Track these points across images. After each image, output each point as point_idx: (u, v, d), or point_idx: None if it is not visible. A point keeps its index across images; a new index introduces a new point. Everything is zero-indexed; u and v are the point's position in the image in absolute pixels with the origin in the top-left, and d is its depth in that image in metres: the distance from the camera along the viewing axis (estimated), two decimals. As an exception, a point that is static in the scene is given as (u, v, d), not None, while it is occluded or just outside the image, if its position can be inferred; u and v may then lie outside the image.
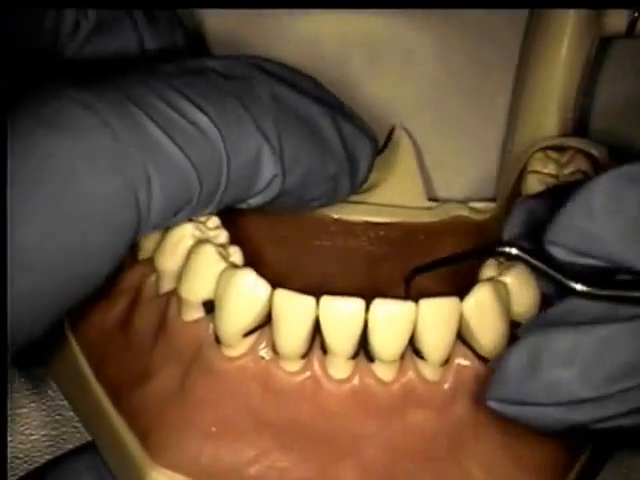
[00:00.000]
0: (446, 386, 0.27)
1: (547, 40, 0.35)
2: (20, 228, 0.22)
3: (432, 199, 0.38)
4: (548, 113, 0.35)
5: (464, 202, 0.37)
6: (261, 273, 0.26)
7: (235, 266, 0.27)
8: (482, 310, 0.26)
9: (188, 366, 0.27)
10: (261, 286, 0.26)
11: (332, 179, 0.29)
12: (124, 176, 0.23)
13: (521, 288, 0.27)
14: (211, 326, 0.27)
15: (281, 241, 0.34)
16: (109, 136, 0.23)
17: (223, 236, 0.28)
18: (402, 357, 0.27)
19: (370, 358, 0.27)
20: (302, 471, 0.27)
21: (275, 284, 0.26)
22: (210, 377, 0.27)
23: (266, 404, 0.27)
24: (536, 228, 0.26)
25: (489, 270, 0.28)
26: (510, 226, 0.28)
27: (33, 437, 0.36)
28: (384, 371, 0.27)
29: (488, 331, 0.26)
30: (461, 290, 0.27)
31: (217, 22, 0.37)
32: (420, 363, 0.27)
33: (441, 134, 0.38)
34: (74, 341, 0.30)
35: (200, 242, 0.27)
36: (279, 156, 0.27)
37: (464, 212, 0.36)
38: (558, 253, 0.24)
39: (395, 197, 0.37)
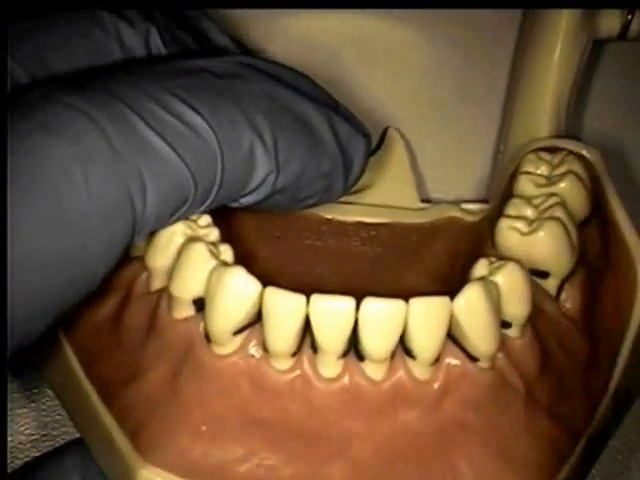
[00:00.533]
0: (436, 385, 0.27)
1: (540, 42, 0.35)
2: (15, 231, 0.22)
3: (424, 200, 0.37)
4: (541, 114, 0.35)
5: (456, 203, 0.37)
6: (252, 271, 0.26)
7: (226, 264, 0.27)
8: (472, 309, 0.26)
9: (178, 364, 0.27)
10: (251, 284, 0.26)
11: (326, 177, 0.29)
12: (118, 179, 0.23)
13: (512, 288, 0.27)
14: (202, 324, 0.27)
15: (272, 240, 0.35)
16: (102, 140, 0.23)
17: (214, 234, 0.28)
18: (392, 356, 0.27)
19: (360, 357, 0.27)
20: (291, 469, 0.27)
21: (266, 282, 0.26)
22: (200, 375, 0.27)
23: (256, 402, 0.27)
24: None
25: (480, 269, 0.28)
26: None
27: (33, 437, 0.36)
28: (374, 370, 0.27)
29: (478, 330, 0.26)
30: (452, 289, 0.27)
31: (216, 17, 0.37)
32: (410, 362, 0.27)
33: (434, 135, 0.38)
34: (64, 339, 0.30)
35: (191, 240, 0.27)
36: (273, 154, 0.27)
37: (456, 213, 0.36)
38: None
39: (387, 198, 0.37)
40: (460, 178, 0.38)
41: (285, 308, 0.26)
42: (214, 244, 0.28)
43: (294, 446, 0.27)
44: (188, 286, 0.27)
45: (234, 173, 0.26)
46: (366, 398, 0.27)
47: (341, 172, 0.29)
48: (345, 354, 0.27)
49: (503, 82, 0.38)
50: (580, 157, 0.32)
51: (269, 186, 0.27)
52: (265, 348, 0.27)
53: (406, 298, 0.26)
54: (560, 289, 0.30)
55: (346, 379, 0.27)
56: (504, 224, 0.30)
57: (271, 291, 0.26)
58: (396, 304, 0.26)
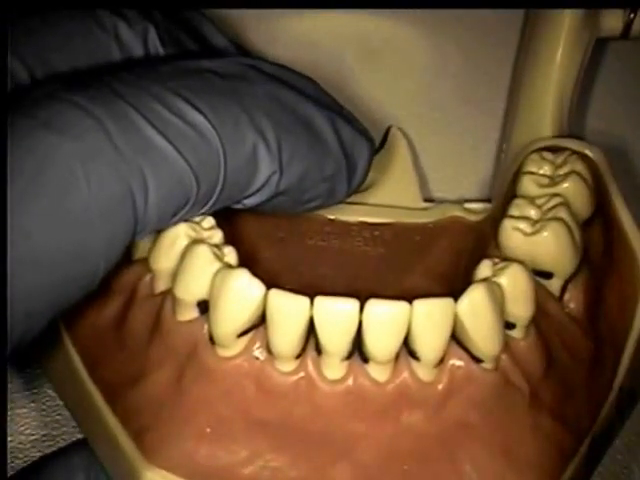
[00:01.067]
0: (440, 387, 0.27)
1: (543, 41, 0.35)
2: (16, 227, 0.22)
3: (427, 200, 0.37)
4: (544, 114, 0.35)
5: (459, 203, 0.37)
6: (255, 273, 0.26)
7: (230, 266, 0.27)
8: (476, 311, 0.26)
9: (183, 366, 0.27)
10: (255, 286, 0.26)
11: (329, 180, 0.29)
12: (120, 177, 0.23)
13: (516, 289, 0.27)
14: (206, 326, 0.27)
15: (276, 241, 0.34)
16: (105, 138, 0.23)
17: (218, 236, 0.28)
18: (396, 358, 0.27)
19: (364, 359, 0.27)
20: (296, 471, 0.27)
21: (269, 284, 0.26)
22: (204, 377, 0.27)
23: (260, 404, 0.27)
24: None
25: (484, 270, 0.28)
26: None
27: (33, 437, 0.36)
28: (378, 372, 0.27)
29: (482, 332, 0.26)
30: (455, 289, 0.27)
31: (216, 18, 0.37)
32: (414, 364, 0.27)
33: (437, 134, 0.38)
34: (69, 340, 0.30)
35: (195, 242, 0.27)
36: (276, 155, 0.27)
37: (459, 213, 0.36)
38: None
39: (390, 197, 0.37)
40: (463, 178, 0.38)
41: (289, 310, 0.26)
42: (218, 246, 0.27)
43: (298, 448, 0.27)
44: (192, 288, 0.27)
45: (237, 173, 0.26)
46: (370, 400, 0.27)
47: (344, 175, 0.29)
48: (349, 356, 0.27)
49: (505, 82, 0.38)
50: (583, 157, 0.32)
51: (272, 187, 0.27)
52: (269, 350, 0.27)
53: (410, 299, 0.26)
54: (564, 289, 0.30)
55: (350, 381, 0.27)
56: (507, 225, 0.30)
57: (275, 293, 0.26)
58: (400, 306, 0.26)
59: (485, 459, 0.27)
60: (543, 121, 0.35)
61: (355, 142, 0.29)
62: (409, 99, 0.38)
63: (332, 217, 0.36)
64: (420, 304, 0.26)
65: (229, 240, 0.28)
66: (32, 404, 0.36)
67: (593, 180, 0.32)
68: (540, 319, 0.28)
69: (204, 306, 0.27)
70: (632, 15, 0.36)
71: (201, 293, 0.27)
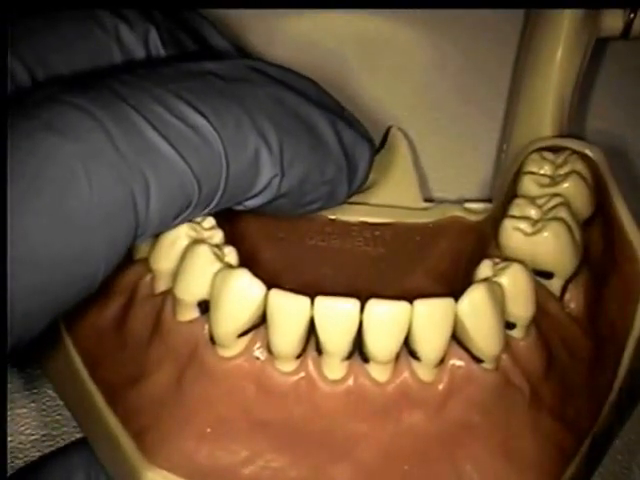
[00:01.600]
0: (441, 387, 0.27)
1: (543, 41, 0.35)
2: (16, 227, 0.22)
3: (428, 200, 0.37)
4: (544, 114, 0.35)
5: (459, 203, 0.37)
6: (256, 273, 0.26)
7: (230, 266, 0.27)
8: (477, 311, 0.26)
9: (183, 366, 0.27)
10: (256, 286, 0.26)
11: (330, 183, 0.29)
12: (122, 180, 0.23)
13: (516, 289, 0.27)
14: (206, 326, 0.27)
15: (276, 241, 0.34)
16: (107, 140, 0.23)
17: (218, 236, 0.28)
18: (397, 358, 0.27)
19: (365, 359, 0.27)
20: (297, 471, 0.27)
21: (270, 284, 0.26)
22: (205, 377, 0.27)
23: (261, 404, 0.27)
24: None
25: (484, 270, 0.28)
26: None
27: (33, 437, 0.36)
28: (379, 372, 0.27)
29: (483, 332, 0.26)
30: (455, 289, 0.27)
31: (216, 18, 0.37)
32: (415, 364, 0.27)
33: (437, 135, 0.38)
34: (69, 341, 0.30)
35: (195, 242, 0.27)
36: (278, 157, 0.27)
37: (460, 213, 0.36)
38: None
39: (391, 198, 0.37)
40: (463, 178, 0.38)
41: (289, 310, 0.26)
42: (218, 246, 0.27)
43: (299, 448, 0.27)
44: (192, 289, 0.27)
45: (239, 176, 0.26)
46: (371, 400, 0.27)
47: (345, 178, 0.29)
48: (350, 356, 0.27)
49: (506, 82, 0.38)
50: (583, 156, 0.32)
51: (273, 190, 0.27)
52: (270, 350, 0.27)
53: (410, 299, 0.26)
54: (564, 289, 0.30)
55: (351, 381, 0.27)
56: (508, 225, 0.30)
57: (275, 293, 0.26)
58: (401, 306, 0.26)
59: (485, 459, 0.27)
60: (543, 121, 0.35)
61: (356, 144, 0.29)
62: (409, 99, 0.38)
63: (333, 217, 0.36)
64: (421, 304, 0.26)
65: (230, 240, 0.28)
66: (32, 404, 0.36)
67: (593, 180, 0.32)
68: (540, 319, 0.28)
69: (204, 306, 0.27)
70: (632, 15, 0.36)
71: (201, 293, 0.27)
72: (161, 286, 0.29)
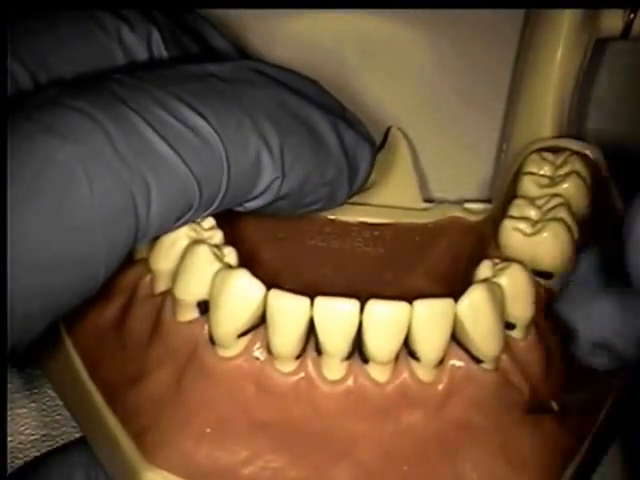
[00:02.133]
0: (440, 387, 0.27)
1: (543, 41, 0.35)
2: (16, 228, 0.22)
3: (427, 200, 0.37)
4: (544, 114, 0.35)
5: (459, 203, 0.37)
6: (256, 273, 0.26)
7: (230, 267, 0.27)
8: (476, 311, 0.26)
9: (183, 367, 0.27)
10: (255, 287, 0.26)
11: (330, 184, 0.29)
12: (123, 183, 0.23)
13: (516, 289, 0.27)
14: (206, 327, 0.27)
15: (276, 242, 0.34)
16: (108, 143, 0.23)
17: (218, 237, 0.28)
18: (396, 358, 0.27)
19: (364, 359, 0.27)
20: (296, 472, 0.27)
21: (270, 285, 0.26)
22: (205, 378, 0.27)
23: (260, 405, 0.27)
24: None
25: (484, 271, 0.28)
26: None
27: (33, 437, 0.36)
28: (378, 372, 0.27)
29: (482, 332, 0.26)
30: (455, 290, 0.27)
31: (217, 19, 0.37)
32: (414, 364, 0.27)
33: (437, 135, 0.38)
34: (69, 341, 0.30)
35: (195, 242, 0.27)
36: (279, 160, 0.27)
37: (459, 213, 0.36)
38: None
39: (390, 198, 0.37)
40: (463, 178, 0.38)
41: (289, 311, 0.26)
42: (218, 246, 0.28)
43: (299, 448, 0.27)
44: (192, 289, 0.27)
45: (240, 179, 0.26)
46: (370, 400, 0.27)
47: (346, 179, 0.29)
48: (349, 356, 0.27)
49: (506, 82, 0.38)
50: (583, 157, 0.32)
51: (274, 192, 0.27)
52: (269, 350, 0.27)
53: (410, 300, 0.26)
54: (564, 290, 0.30)
55: (350, 381, 0.27)
56: (507, 225, 0.30)
57: (275, 294, 0.26)
58: (400, 306, 0.26)
59: (485, 459, 0.27)
60: (543, 121, 0.35)
61: (357, 146, 0.29)
62: (409, 99, 0.38)
63: (332, 217, 0.36)
64: (420, 305, 0.26)
65: (229, 240, 0.28)
66: (32, 404, 0.36)
67: (593, 180, 0.32)
68: (540, 319, 0.28)
69: (204, 306, 0.27)
70: (632, 15, 0.36)
71: (201, 293, 0.27)
72: (161, 286, 0.28)
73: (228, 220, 0.29)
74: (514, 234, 0.30)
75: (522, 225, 0.30)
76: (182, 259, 0.27)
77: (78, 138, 0.23)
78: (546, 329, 0.29)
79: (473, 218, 0.36)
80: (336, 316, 0.26)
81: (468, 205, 0.37)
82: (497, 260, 0.28)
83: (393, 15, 0.38)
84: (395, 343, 0.26)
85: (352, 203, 0.35)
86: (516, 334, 0.28)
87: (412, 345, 0.26)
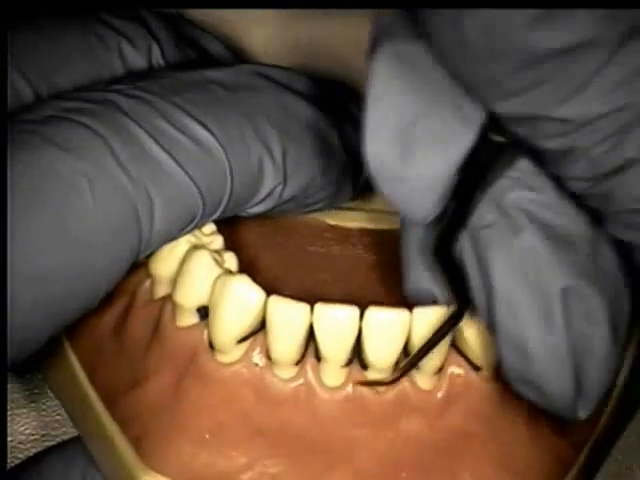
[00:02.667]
0: (440, 395, 0.27)
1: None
2: (17, 240, 0.22)
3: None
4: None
5: (460, 209, 0.37)
6: (255, 279, 0.26)
7: (230, 272, 0.27)
8: (475, 319, 0.26)
9: (182, 372, 0.27)
10: (255, 292, 0.26)
11: (334, 184, 0.29)
12: (125, 196, 0.23)
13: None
14: (205, 332, 0.27)
15: (276, 247, 0.34)
16: (110, 156, 0.23)
17: (218, 242, 0.28)
18: (396, 365, 0.27)
19: (364, 366, 0.27)
20: (294, 478, 0.27)
21: (270, 290, 0.26)
22: (204, 383, 0.27)
23: (259, 411, 0.27)
24: None
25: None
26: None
27: (33, 437, 0.36)
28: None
29: (481, 340, 0.26)
30: None
31: (213, 23, 0.37)
32: (414, 371, 0.27)
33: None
34: (68, 345, 0.30)
35: (195, 248, 0.27)
36: (281, 167, 0.27)
37: (460, 219, 0.36)
38: None
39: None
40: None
41: (289, 317, 0.26)
42: (218, 252, 0.27)
43: (297, 455, 0.27)
44: (192, 294, 0.27)
45: (242, 188, 0.26)
46: (370, 407, 0.27)
47: (349, 179, 0.29)
48: (349, 363, 0.27)
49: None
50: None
51: (276, 198, 0.27)
52: (269, 356, 0.27)
53: (410, 307, 0.26)
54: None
55: (349, 388, 0.27)
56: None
57: (275, 300, 0.26)
58: (400, 313, 0.26)
59: (484, 467, 0.27)
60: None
61: (360, 142, 0.29)
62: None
63: (333, 223, 0.36)
64: (420, 312, 0.26)
65: (229, 246, 0.28)
66: (32, 404, 0.36)
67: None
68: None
69: (204, 312, 0.27)
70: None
71: (201, 299, 0.27)
72: (160, 291, 0.28)
73: (228, 225, 0.29)
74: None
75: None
76: (182, 264, 0.27)
77: (80, 151, 0.23)
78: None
79: (474, 223, 0.36)
80: (336, 322, 0.26)
81: (469, 211, 0.37)
82: None
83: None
84: (395, 350, 0.26)
85: (353, 209, 0.35)
86: (516, 342, 0.28)
87: (412, 352, 0.26)
